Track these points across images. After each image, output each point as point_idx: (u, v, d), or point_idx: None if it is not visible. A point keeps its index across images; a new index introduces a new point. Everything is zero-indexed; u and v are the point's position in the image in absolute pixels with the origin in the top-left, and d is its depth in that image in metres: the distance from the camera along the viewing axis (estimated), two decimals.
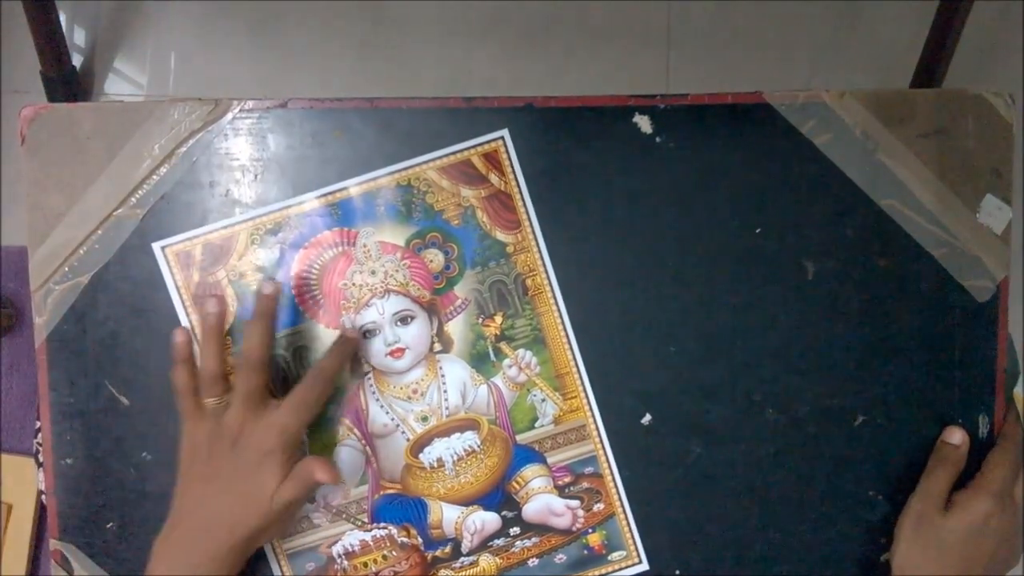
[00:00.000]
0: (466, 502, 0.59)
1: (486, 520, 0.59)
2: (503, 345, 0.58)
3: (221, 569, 0.53)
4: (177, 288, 0.57)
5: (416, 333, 0.58)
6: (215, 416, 0.53)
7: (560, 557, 0.60)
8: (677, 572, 0.60)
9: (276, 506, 0.53)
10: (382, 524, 0.59)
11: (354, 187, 0.57)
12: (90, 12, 1.43)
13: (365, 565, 0.59)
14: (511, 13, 1.44)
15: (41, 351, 0.57)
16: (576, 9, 1.43)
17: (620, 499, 0.60)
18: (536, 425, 0.59)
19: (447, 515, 0.59)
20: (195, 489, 0.54)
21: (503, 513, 0.60)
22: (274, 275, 0.57)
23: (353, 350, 0.57)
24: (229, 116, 0.57)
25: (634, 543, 0.60)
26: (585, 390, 0.59)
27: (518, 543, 0.60)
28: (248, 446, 0.53)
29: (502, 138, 0.57)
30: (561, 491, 0.60)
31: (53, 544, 0.58)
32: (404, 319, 0.58)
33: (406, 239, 0.58)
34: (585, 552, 0.60)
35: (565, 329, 0.58)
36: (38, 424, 0.73)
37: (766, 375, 0.59)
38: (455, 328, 0.58)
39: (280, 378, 0.58)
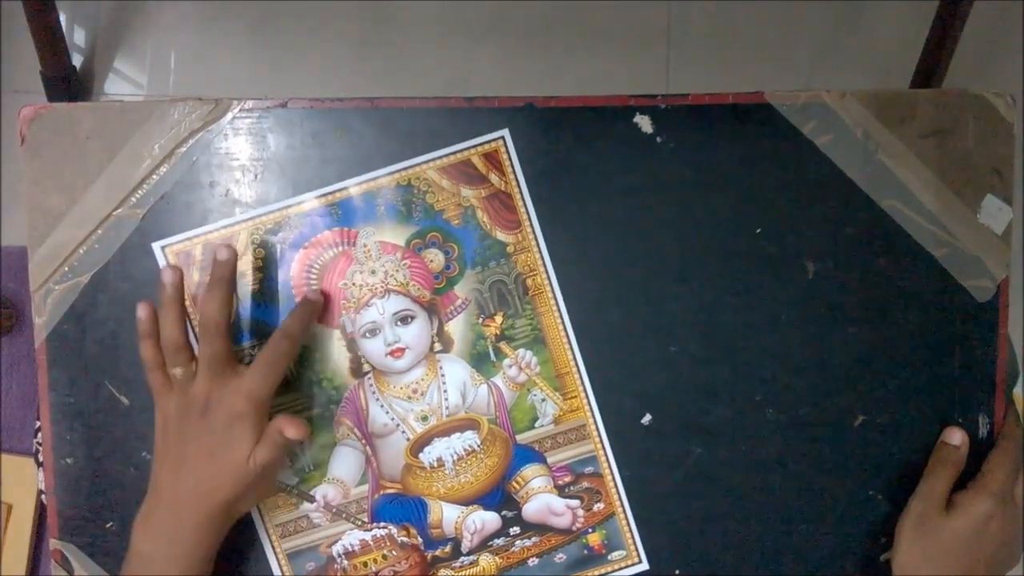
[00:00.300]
0: (466, 502, 0.59)
1: (486, 520, 0.59)
2: (503, 345, 0.58)
3: (203, 539, 0.53)
4: None
5: (416, 333, 0.58)
6: (183, 387, 0.53)
7: (560, 557, 0.60)
8: (677, 572, 0.60)
9: (253, 468, 0.53)
10: (382, 524, 0.59)
11: (354, 187, 0.57)
12: (90, 12, 1.43)
13: (365, 565, 0.59)
14: (511, 13, 1.44)
15: (41, 351, 0.57)
16: (576, 9, 1.43)
17: (620, 499, 0.60)
18: (536, 425, 0.59)
19: (447, 515, 0.59)
20: (170, 462, 0.54)
21: (503, 513, 0.60)
22: (274, 275, 0.57)
23: (316, 311, 0.57)
24: (229, 116, 0.57)
25: (634, 543, 0.60)
26: (585, 390, 0.59)
27: (518, 543, 0.60)
28: (217, 413, 0.53)
29: (502, 138, 0.57)
30: (561, 491, 0.60)
31: (53, 544, 0.58)
32: (404, 319, 0.58)
33: (406, 239, 0.58)
34: (585, 552, 0.60)
35: (565, 329, 0.58)
36: (38, 424, 0.73)
37: (766, 375, 0.59)
38: (455, 328, 0.58)
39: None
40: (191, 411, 0.53)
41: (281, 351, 0.54)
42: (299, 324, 0.55)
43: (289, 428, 0.53)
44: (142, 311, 0.54)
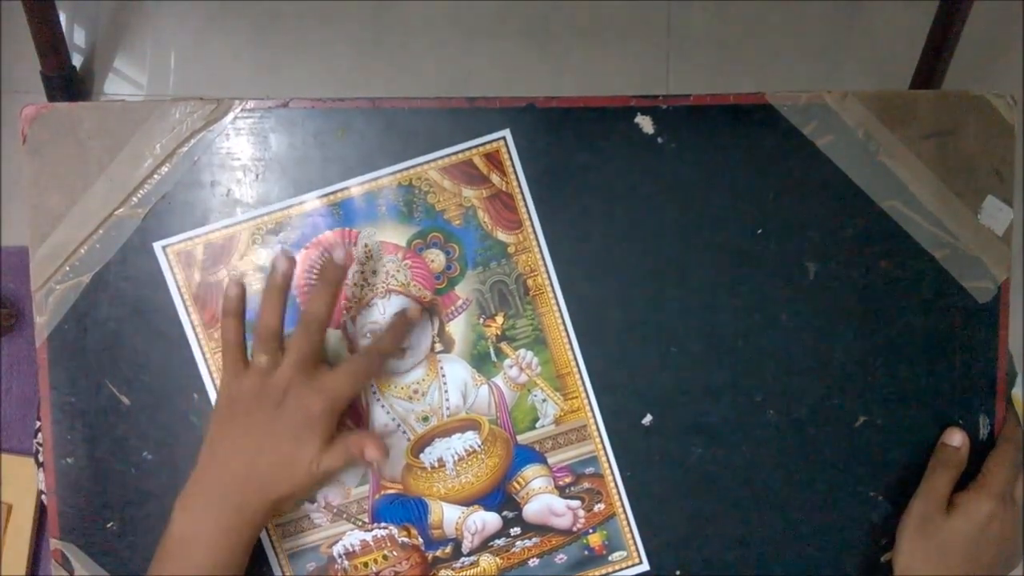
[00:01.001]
0: (467, 502, 0.59)
1: (487, 520, 0.59)
2: (504, 345, 0.58)
3: (247, 527, 0.52)
4: (178, 288, 0.57)
5: (417, 333, 0.58)
6: (262, 373, 0.53)
7: (560, 557, 0.60)
8: (677, 572, 0.60)
9: (316, 472, 0.52)
10: (383, 524, 0.59)
11: (356, 187, 0.57)
12: (90, 12, 1.43)
13: (366, 565, 0.59)
14: (511, 13, 1.44)
15: (42, 351, 0.57)
16: (576, 9, 1.43)
17: (621, 499, 0.60)
18: (537, 425, 0.59)
19: (448, 515, 0.59)
20: (230, 442, 0.53)
21: (504, 513, 0.60)
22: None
23: (413, 327, 0.57)
24: (230, 116, 0.57)
25: (634, 543, 0.60)
26: (586, 390, 0.59)
27: (519, 543, 0.60)
28: (295, 408, 0.52)
29: (504, 138, 0.57)
30: (562, 491, 0.60)
31: (53, 544, 0.58)
32: (412, 320, 0.58)
33: (407, 239, 0.58)
34: (586, 552, 0.60)
35: (566, 329, 0.58)
36: (38, 424, 0.73)
37: (767, 376, 0.59)
38: (456, 328, 0.58)
39: None
40: (266, 399, 0.52)
41: (374, 364, 0.55)
42: (394, 341, 0.56)
43: (372, 449, 0.53)
44: (235, 289, 0.54)
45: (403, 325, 0.56)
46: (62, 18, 1.32)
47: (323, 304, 0.53)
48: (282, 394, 0.52)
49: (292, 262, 0.54)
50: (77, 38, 1.42)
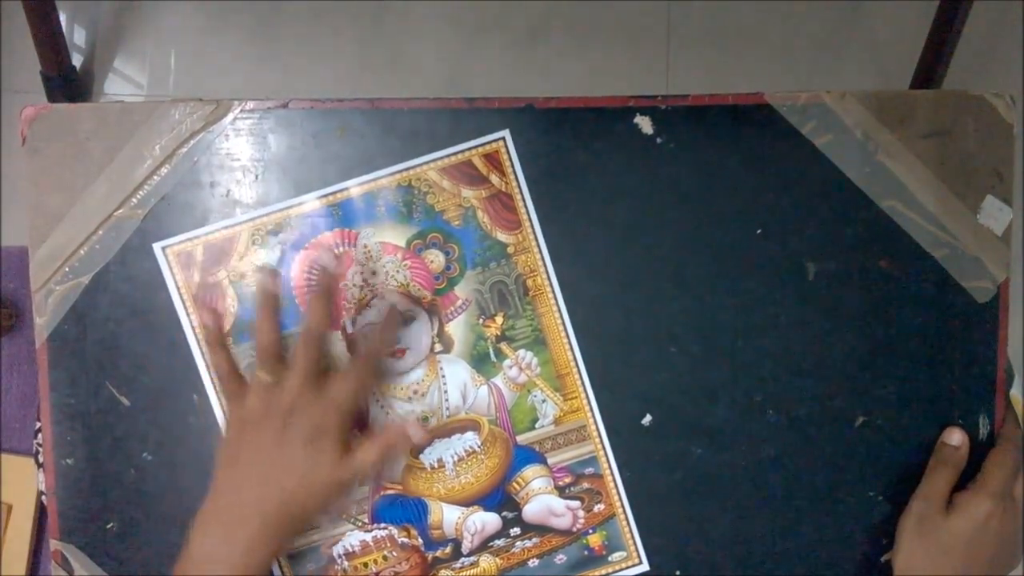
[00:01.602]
0: (466, 503, 0.59)
1: (486, 521, 0.59)
2: (503, 346, 0.58)
3: (267, 547, 0.52)
4: (178, 288, 0.57)
5: (417, 334, 0.58)
6: (267, 391, 0.53)
7: (560, 558, 0.60)
8: (677, 572, 0.60)
9: (342, 477, 0.52)
10: (382, 524, 0.59)
11: (355, 188, 0.57)
12: (90, 12, 1.43)
13: (365, 566, 0.59)
14: (511, 13, 1.44)
15: (42, 351, 0.57)
16: (576, 9, 1.43)
17: (620, 500, 0.60)
18: (536, 426, 0.59)
19: (447, 516, 0.59)
20: (245, 462, 0.53)
21: (503, 514, 0.60)
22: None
23: (394, 322, 0.57)
24: (230, 116, 0.57)
25: (634, 544, 0.60)
26: (585, 391, 0.59)
27: (518, 544, 0.60)
28: (304, 422, 0.52)
29: (503, 139, 0.57)
30: (561, 492, 0.60)
31: (53, 544, 0.58)
32: (405, 320, 0.58)
33: (407, 240, 0.58)
34: (585, 553, 0.60)
35: (566, 330, 0.58)
36: (38, 424, 0.73)
37: (767, 376, 0.59)
38: (456, 329, 0.58)
39: None
40: (274, 417, 0.52)
41: (372, 367, 0.55)
42: (387, 336, 0.56)
43: (415, 428, 0.54)
44: (208, 318, 0.54)
45: (393, 319, 0.56)
46: (62, 18, 1.33)
47: (320, 316, 0.53)
48: (289, 410, 0.52)
49: (275, 276, 0.55)
50: (77, 38, 1.42)
